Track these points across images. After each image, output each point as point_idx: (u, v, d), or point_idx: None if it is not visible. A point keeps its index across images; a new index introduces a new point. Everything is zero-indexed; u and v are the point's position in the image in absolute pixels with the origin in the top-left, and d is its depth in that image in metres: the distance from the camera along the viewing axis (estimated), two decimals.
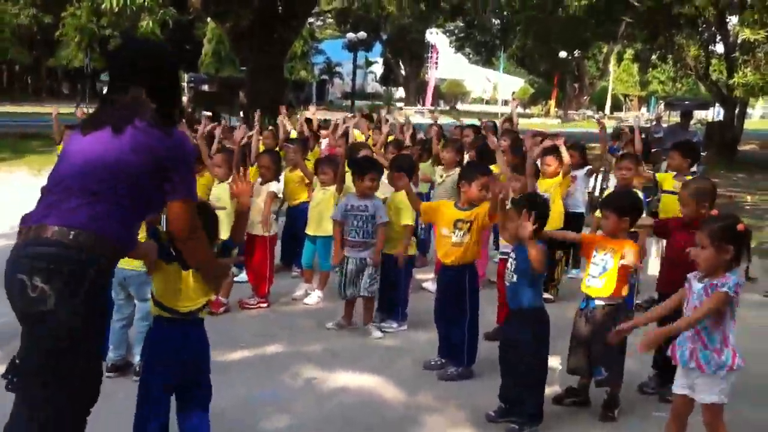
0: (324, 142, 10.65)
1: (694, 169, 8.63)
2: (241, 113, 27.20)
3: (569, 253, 8.12)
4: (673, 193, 6.66)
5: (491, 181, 5.13)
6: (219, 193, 6.74)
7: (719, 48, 24.09)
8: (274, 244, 7.16)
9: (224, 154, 7.11)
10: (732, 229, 3.72)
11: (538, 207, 4.57)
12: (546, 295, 5.85)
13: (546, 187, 7.18)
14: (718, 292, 3.64)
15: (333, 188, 7.18)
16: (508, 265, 4.63)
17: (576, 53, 48.43)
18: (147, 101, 3.00)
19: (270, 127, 11.58)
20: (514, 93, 77.25)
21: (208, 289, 3.55)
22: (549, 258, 5.73)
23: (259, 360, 5.60)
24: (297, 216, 7.90)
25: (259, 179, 7.15)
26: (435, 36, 63.52)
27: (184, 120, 9.40)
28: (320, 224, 7.16)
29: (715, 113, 32.59)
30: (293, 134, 10.53)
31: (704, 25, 23.14)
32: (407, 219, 6.33)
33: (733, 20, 21.84)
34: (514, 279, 4.55)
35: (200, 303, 3.53)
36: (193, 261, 3.30)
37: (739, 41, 15.80)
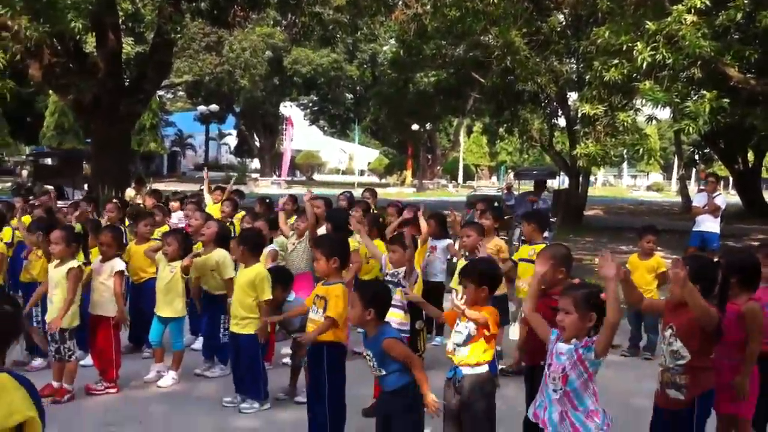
0: (174, 216, 10.25)
1: (546, 234, 8.81)
2: (86, 186, 26.02)
3: (431, 321, 7.99)
4: (529, 261, 6.74)
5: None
6: (57, 278, 6.09)
7: (561, 121, 25.45)
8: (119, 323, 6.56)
9: (63, 231, 6.33)
10: (595, 297, 3.72)
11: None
12: None
13: None
14: None
15: (178, 264, 6.72)
16: (369, 363, 4.44)
17: (427, 126, 50.03)
18: None
19: (114, 200, 10.98)
20: (370, 163, 78.81)
21: None
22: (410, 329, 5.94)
23: None
24: (143, 293, 7.45)
25: (100, 257, 6.58)
26: (289, 109, 63.93)
27: (23, 193, 8.76)
28: (171, 304, 6.74)
29: (560, 181, 34.25)
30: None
31: (546, 101, 24.46)
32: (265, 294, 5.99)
33: (573, 96, 23.21)
34: (382, 372, 4.37)
35: None
36: None
37: (579, 115, 16.61)
